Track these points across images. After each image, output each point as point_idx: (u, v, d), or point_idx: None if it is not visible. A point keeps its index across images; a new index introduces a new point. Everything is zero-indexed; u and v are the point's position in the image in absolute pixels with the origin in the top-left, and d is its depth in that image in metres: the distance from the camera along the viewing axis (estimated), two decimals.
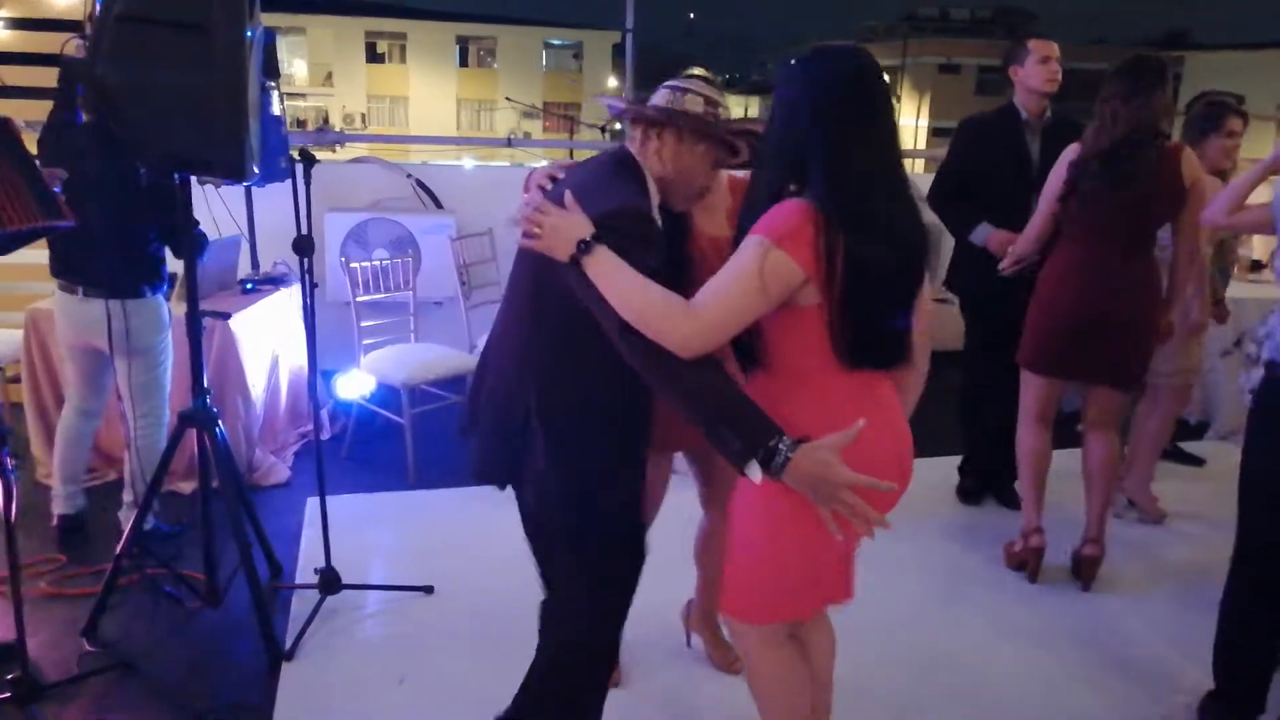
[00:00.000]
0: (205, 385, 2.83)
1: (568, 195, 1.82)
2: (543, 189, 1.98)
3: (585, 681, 2.13)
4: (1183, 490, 4.20)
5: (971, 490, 4.09)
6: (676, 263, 2.03)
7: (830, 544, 1.80)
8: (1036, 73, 3.62)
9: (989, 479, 4.09)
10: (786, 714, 2.06)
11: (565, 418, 1.90)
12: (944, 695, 2.76)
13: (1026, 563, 3.43)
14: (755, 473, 1.67)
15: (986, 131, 3.77)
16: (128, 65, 2.40)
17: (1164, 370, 3.72)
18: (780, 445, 1.64)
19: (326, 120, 35.80)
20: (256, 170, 2.63)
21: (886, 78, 1.82)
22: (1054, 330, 3.25)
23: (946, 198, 3.75)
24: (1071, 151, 3.20)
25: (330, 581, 3.01)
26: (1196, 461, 4.62)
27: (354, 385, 4.31)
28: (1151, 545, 3.76)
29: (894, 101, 1.85)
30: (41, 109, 4.36)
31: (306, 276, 2.89)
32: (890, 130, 1.79)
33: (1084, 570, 3.37)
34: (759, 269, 1.68)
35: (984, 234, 3.61)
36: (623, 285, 1.72)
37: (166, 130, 2.46)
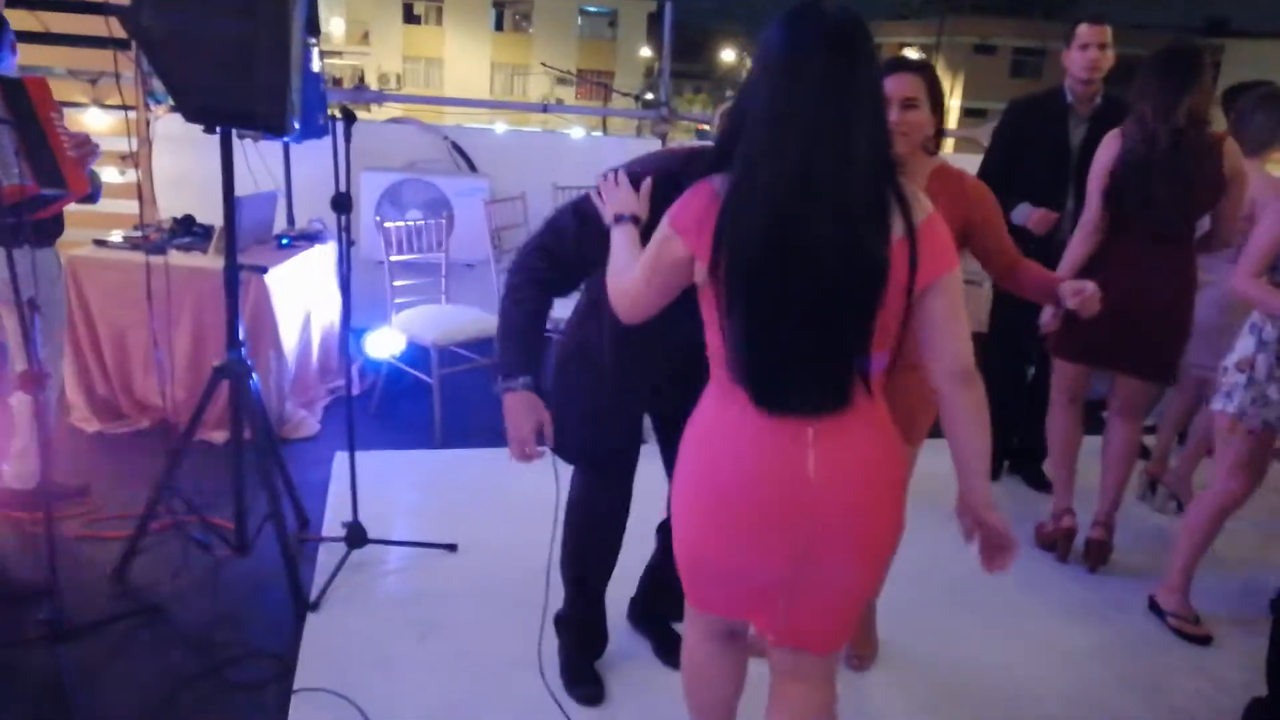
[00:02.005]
0: (240, 338, 2.85)
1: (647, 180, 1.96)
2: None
3: (582, 540, 2.54)
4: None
5: (992, 470, 4.05)
6: None
7: (713, 548, 1.69)
8: (1077, 59, 3.59)
9: (1015, 459, 4.08)
10: (690, 710, 2.03)
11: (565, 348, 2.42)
12: (966, 678, 2.78)
13: (1057, 543, 3.44)
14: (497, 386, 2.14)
15: (1030, 115, 3.73)
16: (173, 15, 2.42)
17: (1213, 365, 3.66)
18: (506, 381, 2.14)
19: (362, 79, 35.77)
20: (297, 125, 2.65)
21: (851, 53, 1.48)
22: (1086, 318, 3.19)
23: (988, 178, 3.70)
24: (1110, 143, 3.13)
25: (356, 535, 3.05)
26: None
27: (384, 343, 4.34)
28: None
29: (848, 81, 1.46)
30: (87, 57, 4.42)
31: (344, 234, 2.90)
32: (812, 112, 1.46)
33: (1092, 554, 3.38)
34: (656, 239, 1.66)
35: (1025, 214, 3.56)
36: (614, 249, 1.86)
37: (210, 81, 2.48)
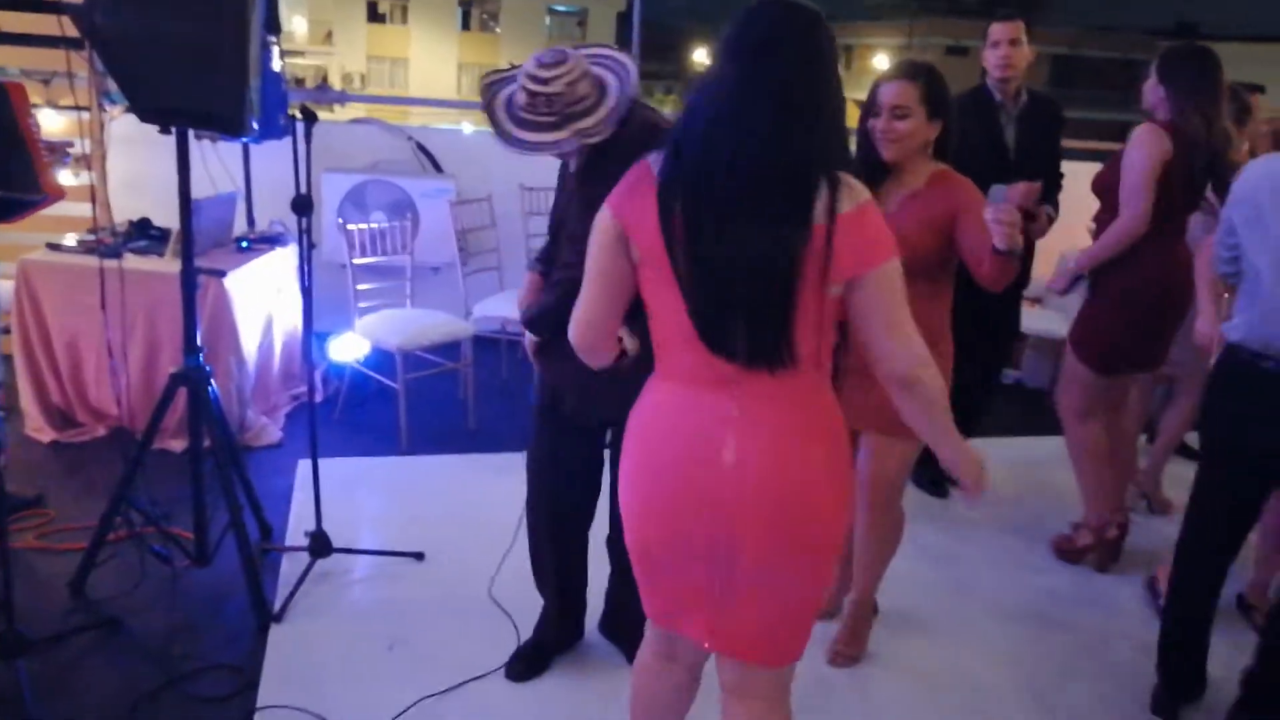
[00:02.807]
0: (198, 344, 2.79)
1: None
2: None
3: (534, 504, 2.59)
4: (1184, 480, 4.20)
5: (934, 479, 4.00)
6: None
7: (645, 534, 1.71)
8: (989, 57, 3.62)
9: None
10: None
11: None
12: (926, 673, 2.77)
13: (1091, 552, 3.44)
14: None
15: (964, 114, 3.68)
16: (127, 14, 2.35)
17: (1185, 363, 3.71)
18: None
19: (325, 79, 35.41)
20: (256, 126, 2.59)
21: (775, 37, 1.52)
22: (1139, 331, 3.16)
23: None
24: (1158, 139, 3.00)
25: (321, 545, 2.99)
26: (1196, 454, 4.62)
27: (348, 348, 4.27)
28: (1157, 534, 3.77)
29: (776, 69, 1.50)
30: (40, 56, 4.31)
31: (305, 237, 2.84)
32: (732, 92, 1.51)
33: (1107, 552, 3.45)
34: (595, 230, 1.65)
35: (1001, 192, 3.45)
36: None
37: (166, 81, 2.42)
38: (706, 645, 1.75)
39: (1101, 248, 3.12)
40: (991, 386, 4.07)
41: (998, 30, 3.60)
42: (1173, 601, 2.64)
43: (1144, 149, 3.02)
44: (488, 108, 2.22)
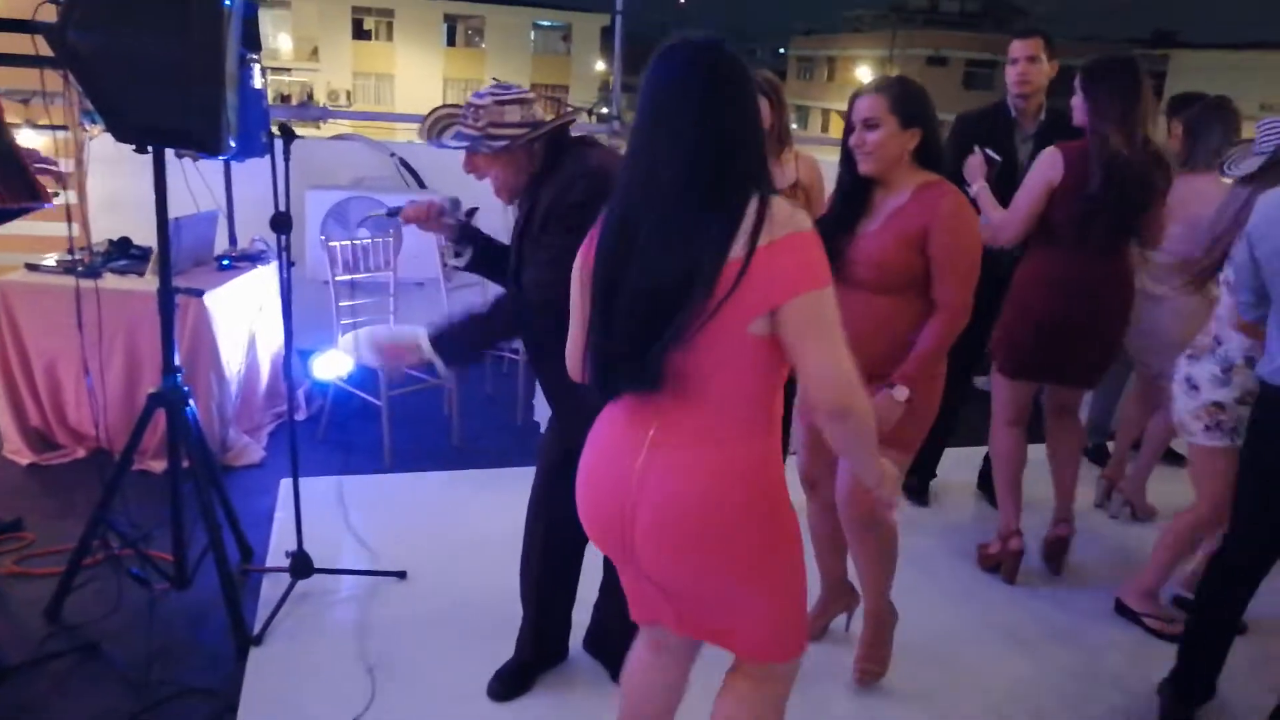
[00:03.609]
0: (176, 364, 2.76)
1: None
2: None
3: (535, 514, 2.57)
4: (1167, 487, 4.20)
5: (916, 489, 4.03)
6: None
7: (594, 542, 1.83)
8: (1008, 74, 3.65)
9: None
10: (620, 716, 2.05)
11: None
12: (914, 690, 2.75)
13: (1001, 564, 3.41)
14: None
15: (975, 129, 3.70)
16: (101, 31, 2.33)
17: (1168, 372, 3.71)
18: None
19: (311, 96, 35.42)
20: (233, 144, 2.57)
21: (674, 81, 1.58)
22: (1032, 334, 3.19)
23: None
24: (1054, 162, 3.06)
25: (302, 565, 2.96)
26: (1180, 460, 4.63)
27: (331, 366, 4.23)
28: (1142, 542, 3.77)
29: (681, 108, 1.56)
30: (19, 76, 4.28)
31: (284, 255, 2.83)
32: (647, 135, 1.59)
33: (1055, 551, 3.43)
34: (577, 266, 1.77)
35: (973, 169, 3.39)
36: None
37: (140, 99, 2.39)
38: (677, 629, 1.83)
39: (985, 208, 3.21)
40: (966, 393, 4.06)
41: (1016, 47, 3.62)
42: (1204, 611, 2.61)
43: (1035, 172, 3.11)
44: (436, 124, 2.38)
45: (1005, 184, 3.56)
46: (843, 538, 2.70)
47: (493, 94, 2.27)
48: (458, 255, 2.54)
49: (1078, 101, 3.10)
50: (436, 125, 2.38)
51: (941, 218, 2.37)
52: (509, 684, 2.63)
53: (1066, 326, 3.13)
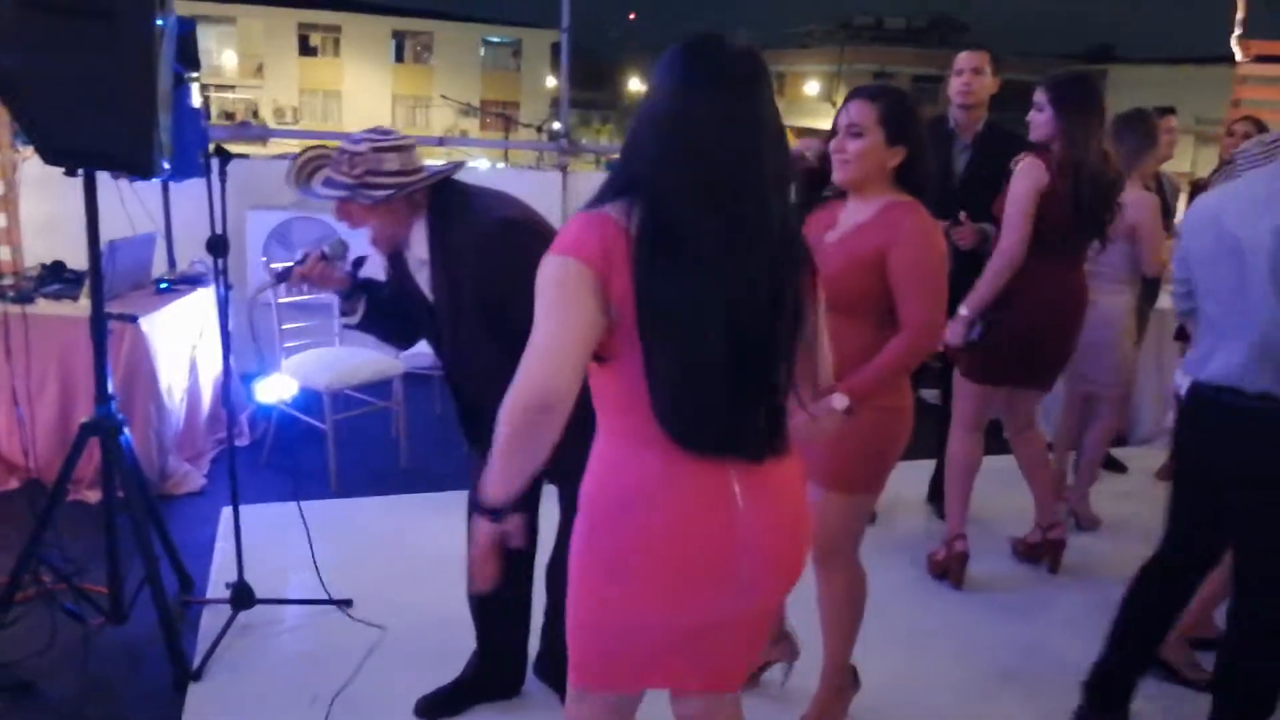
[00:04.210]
0: (110, 392, 2.69)
1: None
2: None
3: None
4: (1109, 495, 4.26)
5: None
6: None
7: (657, 611, 1.58)
8: (953, 85, 3.70)
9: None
10: None
11: None
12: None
13: (950, 570, 3.45)
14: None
15: None
16: (27, 51, 2.27)
17: (1105, 382, 3.78)
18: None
19: (256, 114, 34.99)
20: (166, 165, 2.52)
21: (755, 73, 1.48)
22: (1014, 342, 3.22)
23: None
24: (1034, 173, 3.10)
25: (243, 596, 2.89)
26: (1120, 468, 4.71)
27: (275, 389, 4.15)
28: (1089, 551, 3.81)
29: (756, 101, 1.46)
30: None
31: (222, 278, 2.77)
32: (730, 153, 1.44)
33: (1056, 553, 3.57)
34: (555, 280, 1.45)
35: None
36: None
37: (69, 121, 2.34)
38: (691, 687, 1.75)
39: (985, 285, 3.18)
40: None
41: (963, 59, 3.68)
42: (1132, 612, 2.62)
43: (1022, 181, 3.13)
44: (304, 167, 2.35)
45: (943, 194, 3.60)
46: None
47: (370, 140, 2.19)
48: (346, 314, 2.43)
49: (1043, 116, 3.16)
50: (305, 169, 2.31)
51: (905, 233, 2.21)
52: (433, 702, 2.57)
53: (1045, 332, 3.23)
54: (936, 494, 4.03)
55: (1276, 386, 2.20)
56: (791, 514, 1.61)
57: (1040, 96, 3.17)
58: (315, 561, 3.01)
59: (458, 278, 2.21)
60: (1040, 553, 3.62)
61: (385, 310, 2.43)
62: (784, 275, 1.49)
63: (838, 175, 2.30)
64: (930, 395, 5.49)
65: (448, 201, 2.24)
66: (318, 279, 2.35)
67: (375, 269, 2.50)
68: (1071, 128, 3.09)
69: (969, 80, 3.64)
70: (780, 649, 2.75)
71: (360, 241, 2.36)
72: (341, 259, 2.39)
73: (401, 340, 2.58)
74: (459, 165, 2.38)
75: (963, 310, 3.19)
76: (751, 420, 1.52)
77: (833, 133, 2.33)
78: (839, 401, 2.06)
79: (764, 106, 1.46)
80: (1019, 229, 3.12)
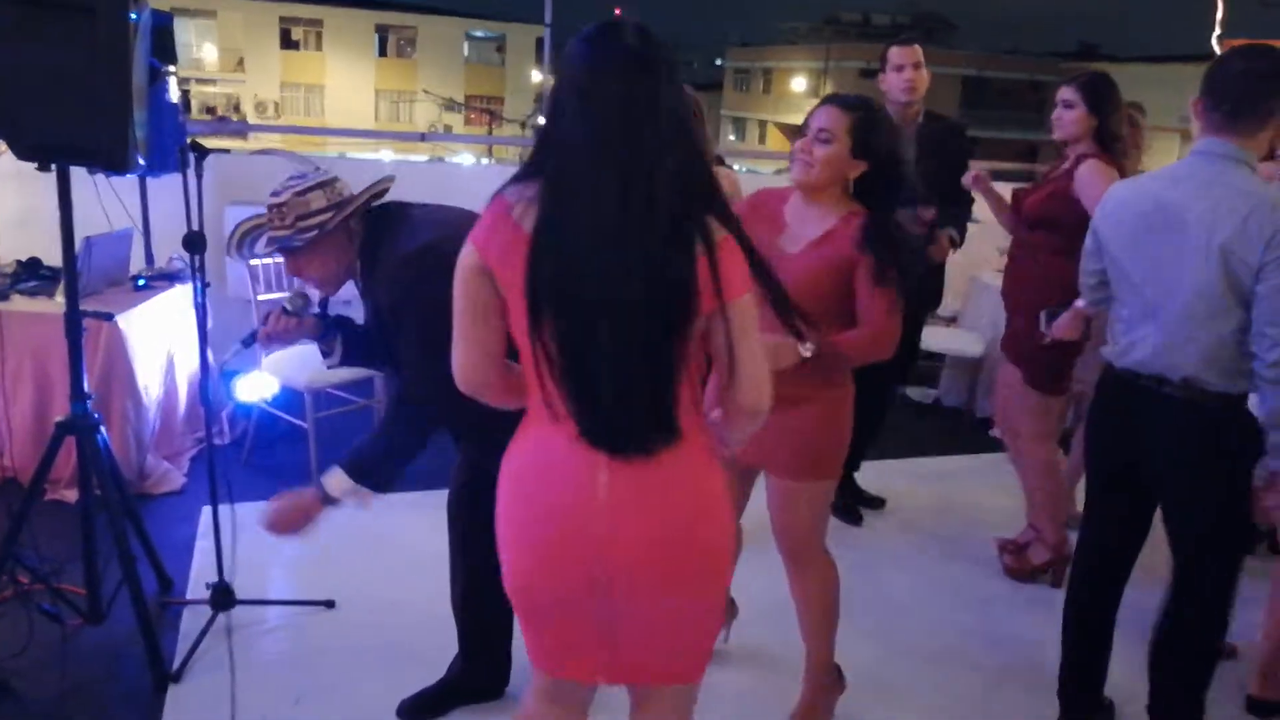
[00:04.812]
0: (85, 390, 2.65)
1: None
2: None
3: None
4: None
5: (845, 509, 3.95)
6: None
7: (516, 587, 1.66)
8: (894, 81, 3.64)
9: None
10: None
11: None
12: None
13: (1040, 573, 3.48)
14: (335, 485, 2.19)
15: None
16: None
17: (1088, 379, 3.78)
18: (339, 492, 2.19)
19: (238, 108, 34.78)
20: (142, 161, 2.49)
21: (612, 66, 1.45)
22: (1075, 351, 3.23)
23: None
24: (1113, 172, 3.00)
25: (223, 596, 2.86)
26: None
27: (255, 387, 4.11)
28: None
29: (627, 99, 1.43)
30: None
31: (199, 274, 2.74)
32: (617, 138, 1.43)
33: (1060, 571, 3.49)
34: (460, 270, 1.56)
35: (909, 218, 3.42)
36: None
37: (41, 116, 2.30)
38: (601, 680, 1.72)
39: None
40: (886, 401, 4.07)
41: (901, 54, 3.62)
42: (1074, 625, 2.62)
43: (1109, 183, 2.87)
44: (244, 238, 2.37)
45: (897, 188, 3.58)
46: None
47: (289, 186, 2.21)
48: (326, 354, 2.43)
49: (1072, 114, 3.13)
50: (244, 240, 2.33)
51: (873, 276, 2.24)
52: (417, 703, 2.57)
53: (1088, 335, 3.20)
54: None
55: (1201, 371, 2.19)
56: (665, 519, 1.56)
57: (1070, 94, 3.14)
58: (293, 563, 2.98)
59: (378, 305, 2.25)
60: (1039, 572, 3.52)
61: (364, 341, 2.42)
62: (668, 264, 1.45)
63: (797, 175, 2.31)
64: (920, 394, 5.53)
65: (377, 228, 2.24)
66: (284, 335, 2.36)
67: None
68: (1108, 126, 3.09)
69: (911, 76, 3.60)
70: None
71: None
72: (304, 310, 2.38)
73: (388, 365, 2.56)
74: (386, 182, 2.33)
75: (1063, 317, 2.99)
76: (625, 411, 1.50)
77: (800, 132, 2.35)
78: (806, 349, 2.11)
79: (656, 97, 1.44)
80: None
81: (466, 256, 1.55)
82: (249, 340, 2.39)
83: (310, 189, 2.20)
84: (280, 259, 2.43)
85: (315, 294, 2.43)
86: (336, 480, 2.15)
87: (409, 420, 2.16)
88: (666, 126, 1.44)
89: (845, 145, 2.24)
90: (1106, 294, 2.46)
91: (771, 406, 1.59)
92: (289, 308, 2.35)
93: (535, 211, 1.47)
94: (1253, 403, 2.22)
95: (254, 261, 4.16)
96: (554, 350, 1.48)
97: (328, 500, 2.17)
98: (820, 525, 2.50)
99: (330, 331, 2.39)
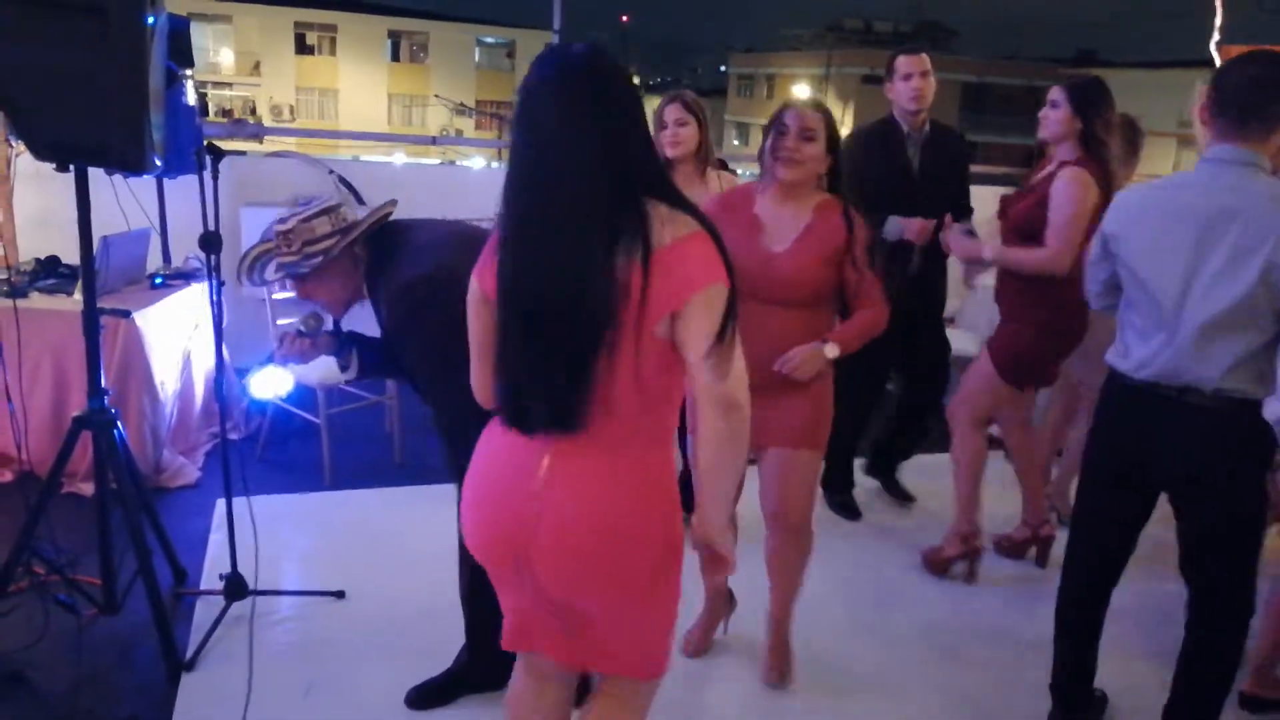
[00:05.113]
0: (102, 386, 2.71)
1: None
2: None
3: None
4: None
5: (843, 503, 4.05)
6: None
7: (484, 566, 1.77)
8: (901, 90, 3.66)
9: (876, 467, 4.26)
10: None
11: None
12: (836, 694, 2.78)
13: (950, 565, 3.49)
14: None
15: (871, 143, 3.74)
16: (17, 47, 2.28)
17: (1090, 382, 3.80)
18: None
19: (254, 111, 34.97)
20: (158, 161, 2.54)
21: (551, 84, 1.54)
22: (1058, 350, 3.29)
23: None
24: (1090, 185, 3.07)
25: (236, 587, 2.91)
26: None
27: (270, 384, 4.17)
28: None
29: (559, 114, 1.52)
30: None
31: (214, 274, 2.79)
32: (537, 144, 1.53)
33: (1046, 548, 3.60)
34: (470, 296, 1.74)
35: (897, 229, 3.53)
36: None
37: (59, 117, 2.35)
38: (562, 660, 1.79)
39: (1017, 261, 3.20)
40: (930, 406, 4.13)
41: (909, 63, 3.64)
42: (1069, 622, 2.63)
43: (1080, 194, 3.05)
44: (253, 264, 2.45)
45: (901, 193, 3.62)
46: None
47: (294, 214, 2.27)
48: (344, 369, 2.49)
49: (1056, 114, 3.16)
50: (254, 266, 2.39)
51: (860, 228, 2.53)
52: (424, 692, 2.61)
53: (1069, 336, 3.26)
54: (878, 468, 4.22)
55: (1230, 381, 2.18)
56: (592, 509, 1.60)
57: (1058, 95, 3.16)
58: (305, 555, 3.02)
59: (385, 326, 2.33)
60: (1024, 549, 3.65)
61: (379, 354, 2.47)
62: (590, 266, 1.50)
63: (789, 173, 2.46)
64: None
65: (381, 252, 2.30)
66: (300, 355, 2.42)
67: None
68: (1093, 130, 3.11)
69: (919, 85, 3.62)
70: (726, 610, 2.97)
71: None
72: (319, 330, 2.43)
73: (402, 375, 2.59)
74: (389, 206, 2.39)
75: (985, 254, 3.29)
76: (551, 402, 1.57)
77: (777, 132, 2.48)
78: (831, 350, 2.47)
79: (580, 109, 1.51)
80: (1071, 241, 3.06)
81: (472, 290, 1.70)
82: (268, 361, 2.47)
83: (315, 215, 2.27)
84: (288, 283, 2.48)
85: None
86: None
87: (461, 444, 2.17)
88: (591, 136, 1.50)
89: (823, 143, 2.47)
90: (1115, 299, 2.45)
91: (769, 389, 1.65)
92: (303, 329, 2.42)
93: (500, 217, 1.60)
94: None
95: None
96: (497, 347, 1.63)
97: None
98: (814, 495, 2.72)
99: (346, 347, 2.46)
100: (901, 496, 4.20)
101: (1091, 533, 2.55)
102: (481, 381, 1.76)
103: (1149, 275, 2.28)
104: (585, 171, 1.50)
